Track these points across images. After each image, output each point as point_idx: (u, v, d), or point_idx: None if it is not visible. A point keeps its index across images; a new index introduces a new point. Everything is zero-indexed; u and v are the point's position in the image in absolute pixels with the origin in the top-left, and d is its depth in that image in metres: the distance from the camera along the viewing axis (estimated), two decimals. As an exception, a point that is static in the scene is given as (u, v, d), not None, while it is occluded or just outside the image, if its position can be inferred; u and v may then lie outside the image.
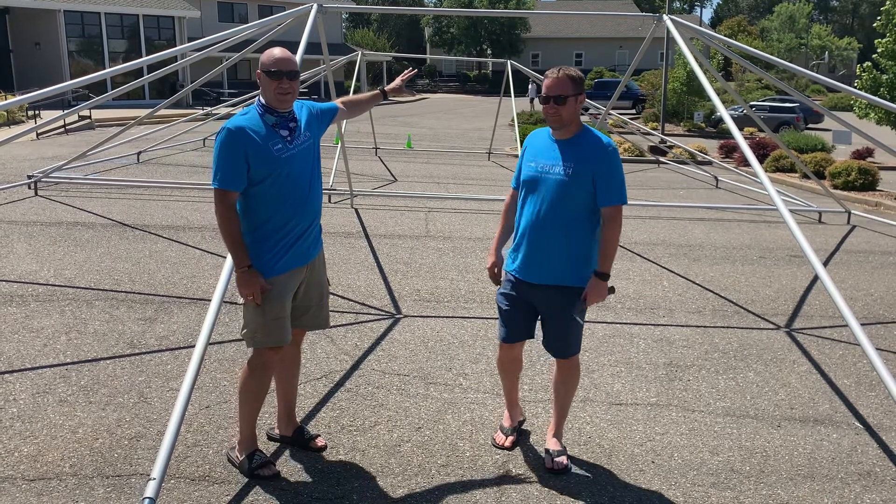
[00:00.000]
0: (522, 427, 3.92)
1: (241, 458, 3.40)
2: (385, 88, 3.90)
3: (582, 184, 3.24)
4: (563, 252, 3.31)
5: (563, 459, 3.52)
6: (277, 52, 3.22)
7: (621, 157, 17.39)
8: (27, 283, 6.21)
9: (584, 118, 24.20)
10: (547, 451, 3.59)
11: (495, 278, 3.59)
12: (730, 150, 18.46)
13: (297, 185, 3.27)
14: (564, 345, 3.45)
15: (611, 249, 3.30)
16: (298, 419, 3.81)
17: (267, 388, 3.39)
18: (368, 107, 3.90)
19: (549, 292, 3.37)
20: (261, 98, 3.27)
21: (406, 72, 4.04)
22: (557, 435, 3.63)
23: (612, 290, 3.37)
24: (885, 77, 15.43)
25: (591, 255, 3.37)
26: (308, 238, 3.35)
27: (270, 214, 3.23)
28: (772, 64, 7.90)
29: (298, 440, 3.65)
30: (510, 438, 3.75)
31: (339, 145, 10.55)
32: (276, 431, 3.72)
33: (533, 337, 3.58)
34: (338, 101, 3.72)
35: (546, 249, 3.32)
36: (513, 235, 3.50)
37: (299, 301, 3.41)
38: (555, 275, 3.34)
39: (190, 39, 32.24)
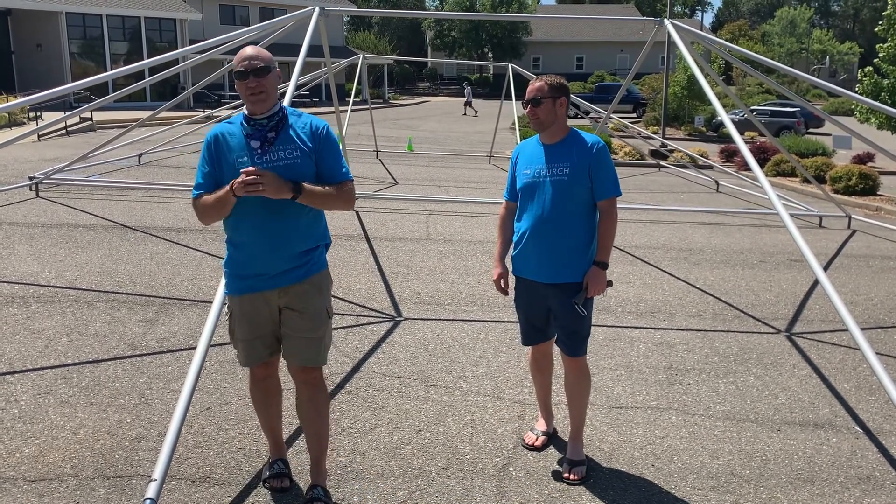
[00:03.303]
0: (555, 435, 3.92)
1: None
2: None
3: (581, 182, 3.38)
4: (569, 249, 3.41)
5: (580, 471, 3.51)
6: (247, 50, 2.92)
7: (622, 160, 17.38)
8: (28, 284, 6.22)
9: (585, 122, 24.22)
10: (566, 460, 3.58)
11: (503, 290, 3.68)
12: (730, 154, 18.48)
13: (254, 210, 2.89)
14: (573, 340, 3.48)
15: (609, 240, 3.44)
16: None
17: (262, 401, 3.24)
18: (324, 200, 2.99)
19: (560, 289, 3.43)
20: (245, 107, 2.99)
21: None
22: (576, 441, 3.62)
23: (609, 283, 3.46)
24: (886, 82, 15.46)
25: (593, 249, 3.47)
26: (279, 266, 2.96)
27: (231, 231, 3.00)
28: (772, 68, 7.92)
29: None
30: (541, 439, 3.80)
31: (340, 148, 10.56)
32: None
33: (555, 336, 3.61)
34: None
35: (553, 249, 3.41)
36: (515, 241, 3.55)
37: (285, 330, 3.07)
38: (564, 272, 3.42)
39: (191, 41, 32.29)
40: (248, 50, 2.93)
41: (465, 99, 39.08)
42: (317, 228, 3.07)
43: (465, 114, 36.67)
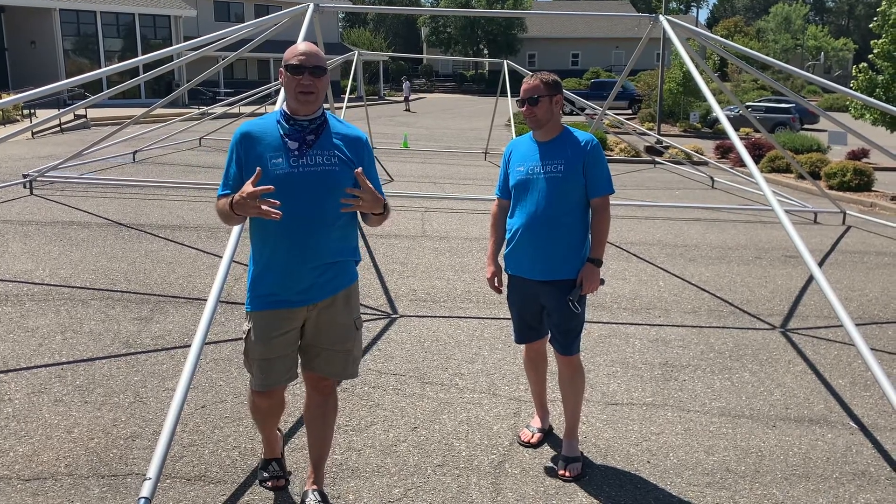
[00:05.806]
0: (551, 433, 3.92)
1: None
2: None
3: (575, 179, 3.39)
4: (563, 247, 3.41)
5: (576, 468, 3.51)
6: (302, 45, 2.77)
7: (618, 157, 17.38)
8: (22, 282, 6.20)
9: (580, 118, 24.19)
10: (561, 457, 3.58)
11: (497, 288, 3.67)
12: (726, 151, 18.51)
13: (292, 216, 2.71)
14: (567, 338, 3.48)
15: (603, 237, 3.46)
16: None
17: (266, 419, 3.13)
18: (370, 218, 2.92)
19: (554, 287, 3.43)
20: (284, 105, 2.83)
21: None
22: (571, 438, 3.62)
23: (601, 280, 3.47)
24: (880, 78, 15.47)
25: (586, 246, 3.48)
26: (307, 279, 2.81)
27: (262, 240, 2.82)
28: (767, 64, 7.91)
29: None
30: (537, 436, 3.80)
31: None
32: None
33: (548, 334, 3.61)
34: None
35: (547, 246, 3.41)
36: (508, 239, 3.54)
37: (308, 341, 2.94)
38: (558, 269, 3.42)
39: (186, 38, 32.19)
40: (307, 46, 2.77)
41: (404, 94, 39.37)
42: (348, 243, 2.90)
43: (406, 109, 36.91)
